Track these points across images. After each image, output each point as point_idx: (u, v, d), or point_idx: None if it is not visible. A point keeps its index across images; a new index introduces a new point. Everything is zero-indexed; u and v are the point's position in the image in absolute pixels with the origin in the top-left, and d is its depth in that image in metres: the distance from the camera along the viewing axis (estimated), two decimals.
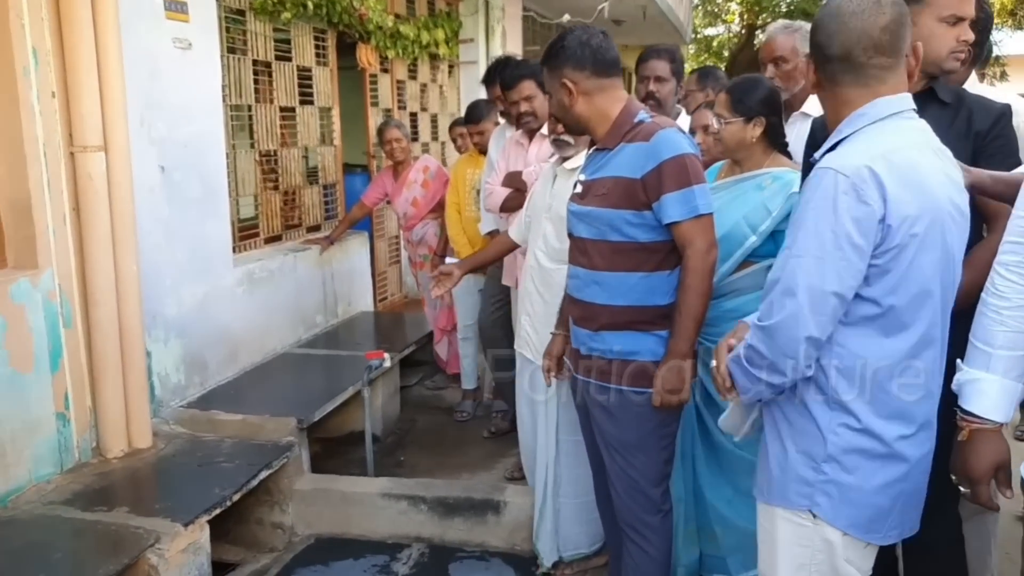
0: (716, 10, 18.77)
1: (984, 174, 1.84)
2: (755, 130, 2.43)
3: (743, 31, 17.35)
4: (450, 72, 7.16)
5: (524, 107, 3.41)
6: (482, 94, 4.34)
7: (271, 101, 4.60)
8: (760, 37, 14.46)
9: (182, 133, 3.60)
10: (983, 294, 1.65)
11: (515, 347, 3.06)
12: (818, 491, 1.61)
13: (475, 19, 7.07)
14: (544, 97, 3.21)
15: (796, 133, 2.71)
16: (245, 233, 4.46)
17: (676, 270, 2.18)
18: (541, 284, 2.84)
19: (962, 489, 1.67)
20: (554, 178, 2.83)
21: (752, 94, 2.44)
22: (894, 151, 1.51)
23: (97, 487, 2.94)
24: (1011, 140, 2.01)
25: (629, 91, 2.46)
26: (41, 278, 2.93)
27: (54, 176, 2.96)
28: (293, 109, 4.81)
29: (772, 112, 2.45)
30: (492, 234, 3.91)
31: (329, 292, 5.05)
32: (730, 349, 1.71)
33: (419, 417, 4.70)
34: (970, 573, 2.16)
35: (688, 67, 5.93)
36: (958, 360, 1.66)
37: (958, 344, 1.65)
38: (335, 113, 5.28)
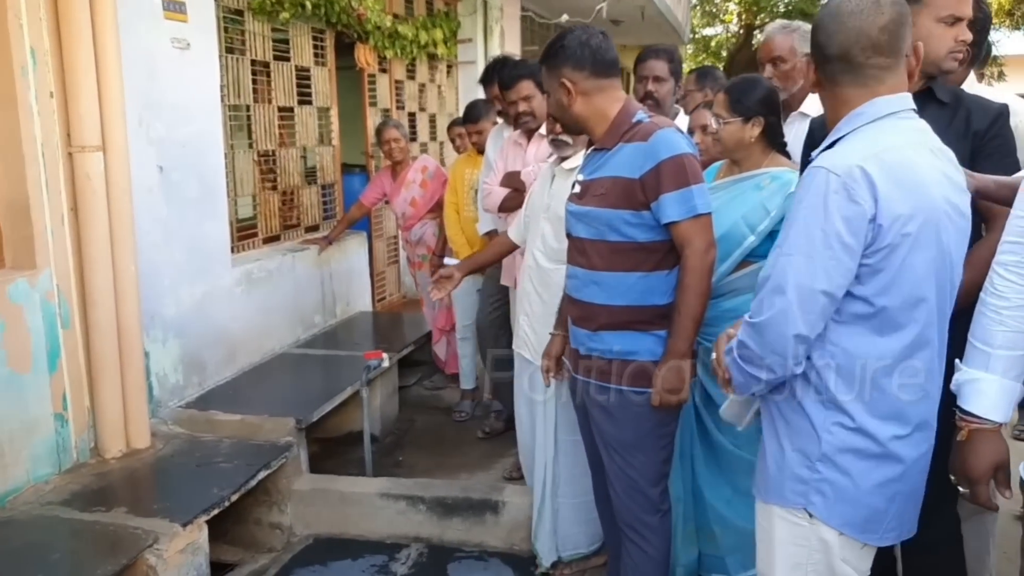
0: (714, 10, 18.79)
1: (989, 179, 1.84)
2: (753, 130, 2.43)
3: (741, 31, 17.37)
4: (448, 72, 7.16)
5: (522, 107, 3.41)
6: (480, 94, 4.34)
7: (269, 101, 4.60)
8: (758, 37, 14.48)
9: (180, 133, 3.60)
10: (982, 294, 1.65)
11: (514, 347, 3.06)
12: (813, 490, 1.61)
13: (473, 19, 7.07)
14: (542, 97, 3.21)
15: (794, 133, 2.71)
16: (243, 233, 4.46)
17: (674, 270, 2.18)
18: (539, 284, 2.84)
19: (961, 489, 1.67)
20: (552, 178, 2.83)
21: (750, 94, 2.45)
22: (888, 150, 1.51)
23: (95, 487, 2.94)
24: (1009, 140, 2.02)
25: (627, 91, 2.47)
26: (39, 278, 2.93)
27: (52, 176, 2.95)
28: (291, 109, 4.81)
29: (770, 112, 2.45)
30: (490, 234, 3.91)
31: (327, 292, 5.04)
32: (730, 340, 1.72)
33: (418, 417, 4.70)
34: (968, 573, 2.16)
35: (686, 67, 5.92)
36: (956, 360, 1.66)
37: (957, 344, 1.65)
38: (333, 113, 5.28)
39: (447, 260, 4.33)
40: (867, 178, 1.47)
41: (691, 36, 17.26)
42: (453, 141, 5.07)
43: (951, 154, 1.62)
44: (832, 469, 1.59)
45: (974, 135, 1.99)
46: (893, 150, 1.52)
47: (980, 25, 2.25)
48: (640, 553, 2.33)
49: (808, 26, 2.72)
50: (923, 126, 1.61)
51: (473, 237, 4.16)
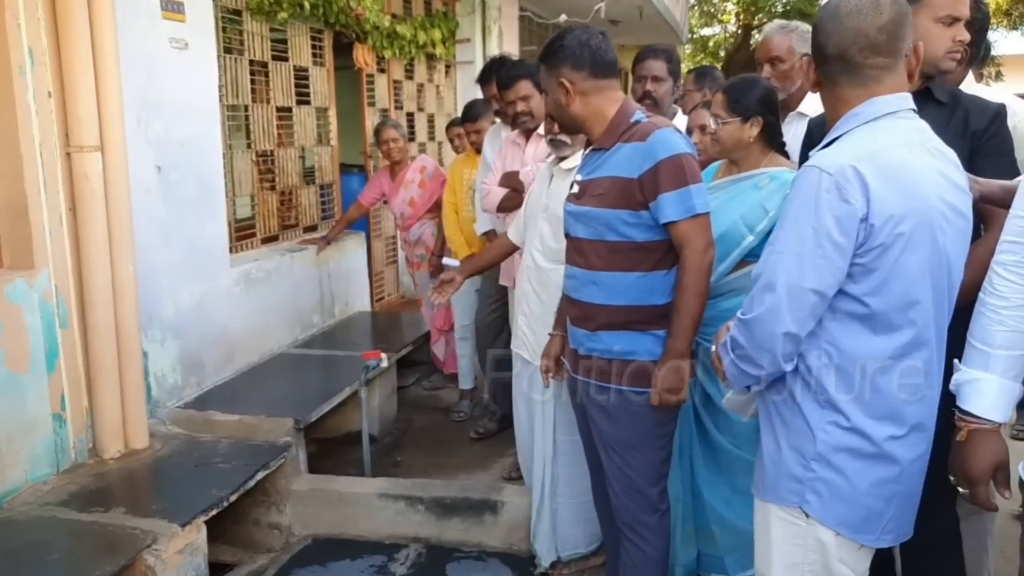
0: (712, 10, 18.82)
1: (994, 185, 1.84)
2: (752, 130, 2.43)
3: (739, 31, 17.39)
4: (447, 72, 7.16)
5: (521, 107, 3.41)
6: (479, 94, 4.34)
7: (268, 101, 4.59)
8: (756, 37, 14.49)
9: (179, 133, 3.60)
10: (981, 293, 1.65)
11: (512, 348, 3.06)
12: (808, 488, 1.61)
13: (472, 19, 7.07)
14: (540, 97, 3.20)
15: (793, 133, 2.72)
16: (242, 233, 4.46)
17: (673, 270, 2.18)
18: (538, 284, 2.83)
19: (960, 490, 1.66)
20: (550, 178, 2.83)
21: (749, 94, 2.44)
22: (882, 150, 1.51)
23: (93, 488, 2.93)
24: (1006, 139, 2.02)
25: (626, 91, 2.46)
26: (37, 278, 2.92)
27: (50, 176, 2.95)
28: (290, 109, 4.81)
29: (769, 112, 2.45)
30: (488, 234, 3.91)
31: (326, 292, 5.04)
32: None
33: (416, 417, 4.70)
34: (967, 572, 2.16)
35: (684, 67, 5.93)
36: (956, 360, 1.65)
37: (957, 343, 1.65)
38: (332, 113, 5.28)
39: (446, 260, 4.33)
40: (859, 177, 1.47)
41: (689, 36, 17.26)
42: (451, 141, 5.07)
43: (952, 154, 1.62)
44: (827, 468, 1.59)
45: (972, 135, 1.99)
46: (887, 150, 1.52)
47: (978, 25, 2.25)
48: (639, 553, 2.33)
49: (806, 26, 2.73)
50: (922, 126, 1.61)
51: (471, 237, 4.15)
